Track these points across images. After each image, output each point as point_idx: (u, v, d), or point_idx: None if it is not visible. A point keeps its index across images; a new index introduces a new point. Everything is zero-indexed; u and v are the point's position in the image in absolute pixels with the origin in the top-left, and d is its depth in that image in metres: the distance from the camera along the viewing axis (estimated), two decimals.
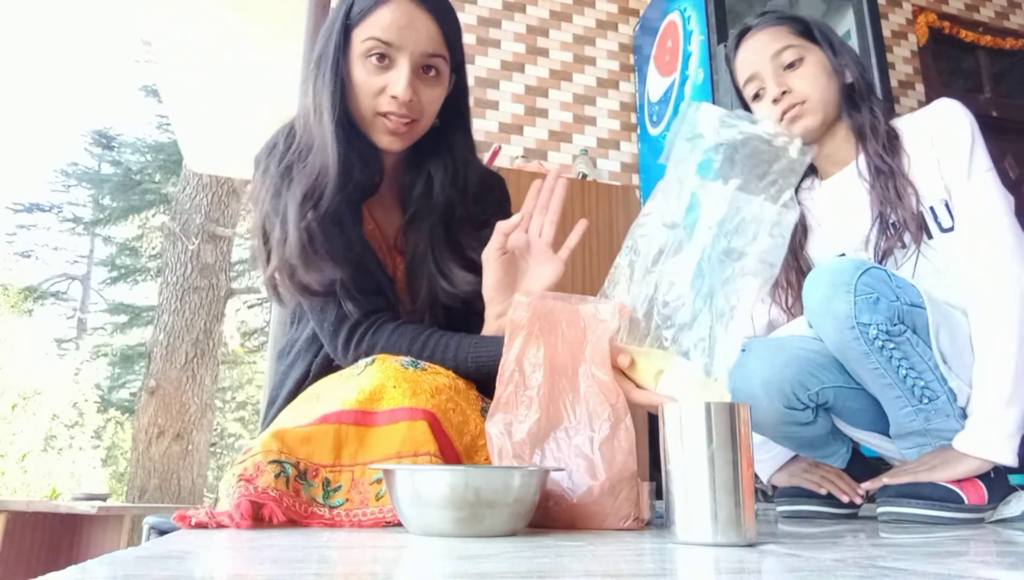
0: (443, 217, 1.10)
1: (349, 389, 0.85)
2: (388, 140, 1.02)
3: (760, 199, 0.77)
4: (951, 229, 1.16)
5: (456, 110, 1.11)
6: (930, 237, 1.18)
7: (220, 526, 0.72)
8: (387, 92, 0.99)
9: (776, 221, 0.76)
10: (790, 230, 0.76)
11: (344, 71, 1.01)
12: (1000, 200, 1.13)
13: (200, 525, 0.72)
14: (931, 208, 1.18)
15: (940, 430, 1.09)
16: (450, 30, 1.04)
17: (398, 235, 1.11)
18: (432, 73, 1.02)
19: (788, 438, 1.24)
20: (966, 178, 1.14)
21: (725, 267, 0.76)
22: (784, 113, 1.25)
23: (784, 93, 1.25)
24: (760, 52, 1.29)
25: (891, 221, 1.19)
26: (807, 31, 1.30)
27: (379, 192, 1.10)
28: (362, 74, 1.00)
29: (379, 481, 0.79)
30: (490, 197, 1.18)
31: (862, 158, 1.25)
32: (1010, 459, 1.02)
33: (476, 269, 1.05)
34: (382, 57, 0.99)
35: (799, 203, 1.31)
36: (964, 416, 1.09)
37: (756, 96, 1.30)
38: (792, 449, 1.29)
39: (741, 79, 1.33)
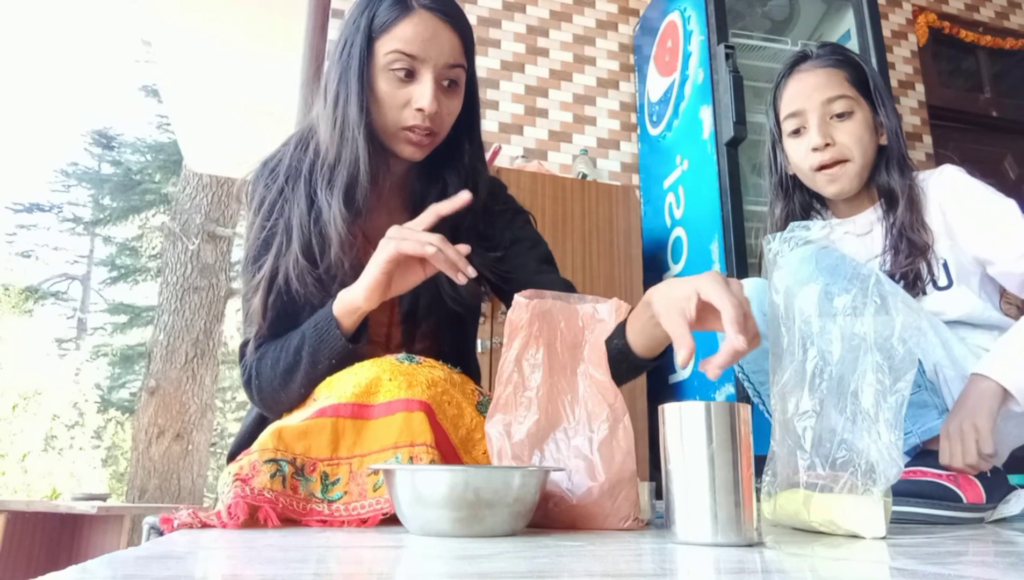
0: (452, 226, 1.08)
1: (345, 384, 0.86)
2: (411, 151, 1.02)
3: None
4: (947, 288, 1.21)
5: (469, 117, 1.10)
6: (924, 293, 1.22)
7: (205, 525, 0.72)
8: (412, 105, 0.98)
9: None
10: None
11: (367, 82, 0.99)
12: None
13: (184, 526, 0.72)
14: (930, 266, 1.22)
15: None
16: (468, 40, 1.04)
17: None
18: (453, 85, 1.02)
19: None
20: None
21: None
22: (824, 167, 1.24)
23: (827, 145, 1.23)
24: (811, 93, 1.25)
25: (905, 273, 1.22)
26: (861, 81, 1.27)
27: (383, 199, 1.09)
28: (386, 87, 0.99)
29: (376, 472, 0.79)
30: (493, 199, 1.18)
31: (883, 214, 1.28)
32: (1017, 388, 1.03)
33: (479, 280, 1.07)
34: (407, 70, 0.98)
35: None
36: (928, 387, 1.12)
37: (796, 132, 1.28)
38: None
39: (784, 110, 1.29)
